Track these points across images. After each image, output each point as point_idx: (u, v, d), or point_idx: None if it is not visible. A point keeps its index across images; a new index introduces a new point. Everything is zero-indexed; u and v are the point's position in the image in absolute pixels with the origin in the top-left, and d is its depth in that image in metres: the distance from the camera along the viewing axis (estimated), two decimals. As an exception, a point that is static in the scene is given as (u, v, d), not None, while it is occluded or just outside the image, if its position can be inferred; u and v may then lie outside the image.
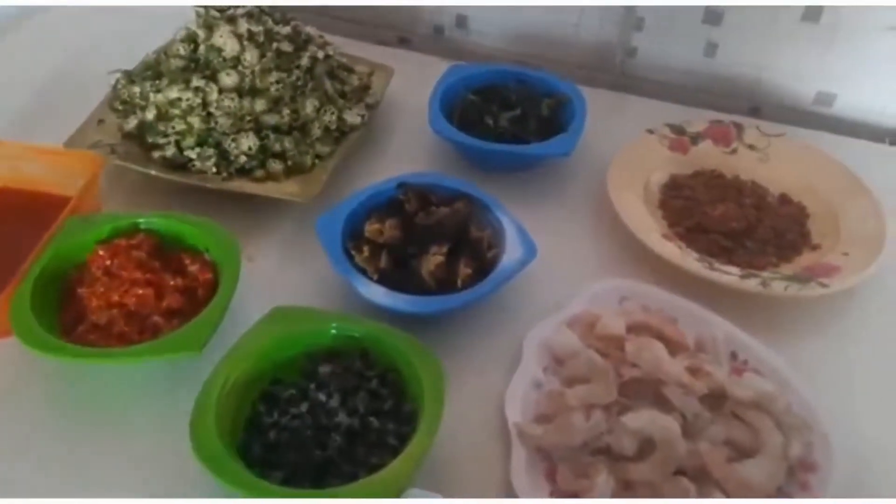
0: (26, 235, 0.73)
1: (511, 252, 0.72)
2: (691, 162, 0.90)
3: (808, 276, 0.76)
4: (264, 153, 0.82)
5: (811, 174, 0.87)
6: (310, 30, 0.89)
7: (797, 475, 0.62)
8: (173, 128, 0.81)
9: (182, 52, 0.83)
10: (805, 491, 0.61)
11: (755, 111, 1.03)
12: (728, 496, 0.59)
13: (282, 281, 0.75)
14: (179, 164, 0.81)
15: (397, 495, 0.56)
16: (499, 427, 0.65)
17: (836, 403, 0.66)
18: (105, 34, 1.05)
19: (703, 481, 0.60)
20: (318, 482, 0.57)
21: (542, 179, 0.88)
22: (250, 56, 0.82)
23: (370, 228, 0.73)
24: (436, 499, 0.56)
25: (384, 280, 0.70)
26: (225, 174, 0.81)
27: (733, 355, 0.70)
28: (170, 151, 0.81)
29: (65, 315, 0.68)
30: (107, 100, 0.87)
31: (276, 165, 0.81)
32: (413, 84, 0.96)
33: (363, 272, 0.70)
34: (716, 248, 0.80)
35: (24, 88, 0.98)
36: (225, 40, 0.82)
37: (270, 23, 0.85)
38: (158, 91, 0.82)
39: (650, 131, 0.91)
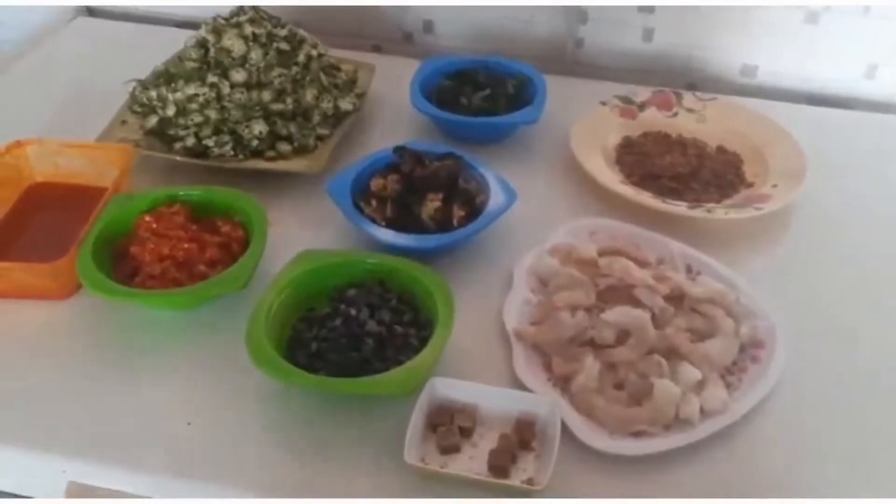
0: (69, 221, 0.84)
1: (496, 198, 0.85)
2: (639, 126, 1.04)
3: (745, 204, 0.90)
4: (273, 137, 0.94)
5: (742, 128, 1.02)
6: (302, 32, 1.02)
7: (748, 350, 0.75)
8: (192, 120, 0.93)
9: (194, 55, 0.96)
10: (756, 363, 0.74)
11: (691, 86, 1.18)
12: (694, 366, 0.72)
13: (300, 239, 0.85)
14: (199, 153, 0.93)
15: (422, 383, 0.67)
16: (499, 334, 0.77)
17: (773, 298, 0.80)
18: (113, 52, 1.18)
19: (673, 357, 0.73)
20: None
21: (513, 147, 1.02)
22: (255, 55, 0.95)
23: (375, 184, 0.85)
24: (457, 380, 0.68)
25: (391, 226, 0.82)
26: (241, 156, 0.92)
27: (688, 268, 0.83)
28: (190, 141, 0.93)
29: (118, 273, 0.78)
30: (126, 105, 0.98)
31: (284, 146, 0.94)
32: (392, 81, 1.09)
33: (373, 221, 0.83)
34: (666, 191, 0.94)
35: (47, 101, 1.09)
36: (233, 42, 0.94)
37: (269, 26, 0.98)
38: (176, 91, 0.93)
39: (603, 103, 1.05)
